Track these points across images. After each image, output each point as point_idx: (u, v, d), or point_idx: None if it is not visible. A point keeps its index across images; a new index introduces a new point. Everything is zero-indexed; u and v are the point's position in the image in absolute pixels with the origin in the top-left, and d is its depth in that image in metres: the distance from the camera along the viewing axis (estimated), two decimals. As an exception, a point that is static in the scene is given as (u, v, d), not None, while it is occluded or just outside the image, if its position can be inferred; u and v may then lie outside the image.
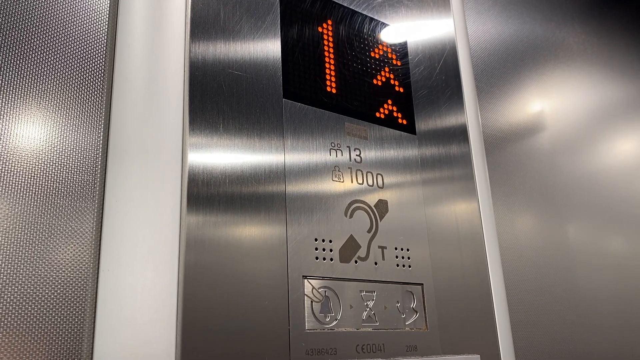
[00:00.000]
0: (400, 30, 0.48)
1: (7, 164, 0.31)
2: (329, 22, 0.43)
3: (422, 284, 0.41)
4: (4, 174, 0.31)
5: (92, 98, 0.35)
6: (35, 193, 0.31)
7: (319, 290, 0.36)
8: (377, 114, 0.43)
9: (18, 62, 0.33)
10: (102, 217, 0.32)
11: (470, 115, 0.50)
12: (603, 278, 0.69)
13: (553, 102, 0.73)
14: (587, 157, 0.75)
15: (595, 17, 0.85)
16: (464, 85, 0.51)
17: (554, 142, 0.71)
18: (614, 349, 0.66)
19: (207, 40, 0.36)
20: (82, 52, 0.35)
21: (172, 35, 0.35)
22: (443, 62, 0.50)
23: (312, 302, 0.35)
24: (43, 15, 0.34)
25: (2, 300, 0.29)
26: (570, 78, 0.77)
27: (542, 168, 0.67)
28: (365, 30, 0.45)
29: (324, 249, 0.37)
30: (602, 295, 0.68)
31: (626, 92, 0.86)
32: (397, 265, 0.40)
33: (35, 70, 0.33)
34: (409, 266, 0.41)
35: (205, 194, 0.33)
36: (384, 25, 0.47)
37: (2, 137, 0.31)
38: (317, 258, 0.36)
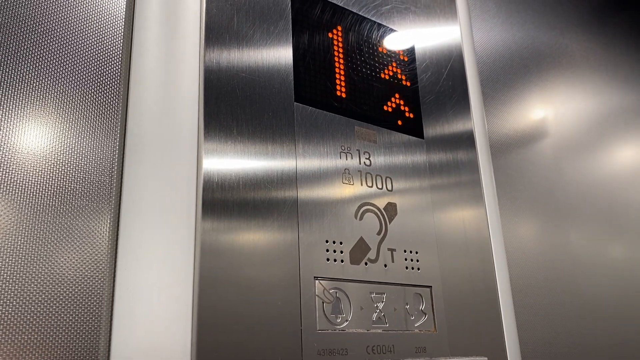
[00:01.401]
0: (408, 37, 0.48)
1: (26, 165, 0.31)
2: (339, 28, 0.43)
3: (431, 286, 0.41)
4: (23, 176, 0.31)
5: (109, 102, 0.36)
6: (53, 194, 0.32)
7: (330, 291, 0.36)
8: (386, 119, 0.44)
9: (37, 66, 0.33)
10: (118, 219, 0.33)
11: (477, 121, 0.51)
12: (607, 283, 0.70)
13: (556, 108, 0.74)
14: (590, 163, 0.76)
15: (598, 25, 0.86)
16: (471, 91, 0.52)
17: (557, 148, 0.71)
18: (618, 354, 0.66)
19: (221, 45, 0.36)
20: (99, 56, 0.36)
21: (187, 40, 0.35)
22: (450, 68, 0.51)
23: (323, 303, 0.36)
24: (60, 21, 0.35)
25: (21, 299, 0.29)
26: (573, 85, 0.78)
27: (545, 174, 0.68)
28: (374, 36, 0.46)
29: (334, 251, 0.37)
30: (606, 300, 0.68)
31: (629, 98, 0.87)
32: (406, 268, 0.41)
33: (54, 75, 0.34)
34: (418, 269, 0.41)
35: (220, 197, 0.33)
36: (392, 31, 0.47)
37: (21, 140, 0.32)
38: (328, 260, 0.37)
